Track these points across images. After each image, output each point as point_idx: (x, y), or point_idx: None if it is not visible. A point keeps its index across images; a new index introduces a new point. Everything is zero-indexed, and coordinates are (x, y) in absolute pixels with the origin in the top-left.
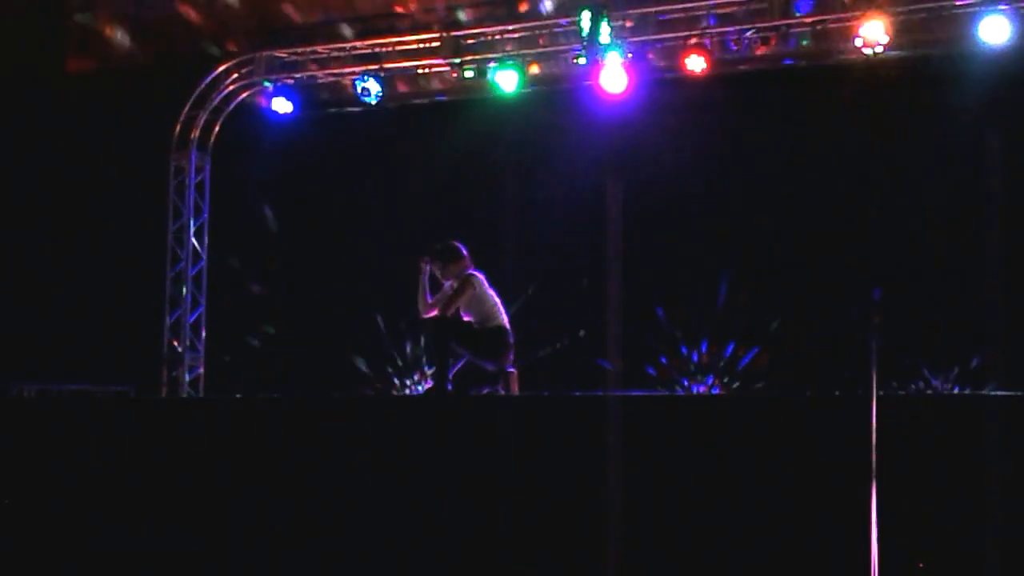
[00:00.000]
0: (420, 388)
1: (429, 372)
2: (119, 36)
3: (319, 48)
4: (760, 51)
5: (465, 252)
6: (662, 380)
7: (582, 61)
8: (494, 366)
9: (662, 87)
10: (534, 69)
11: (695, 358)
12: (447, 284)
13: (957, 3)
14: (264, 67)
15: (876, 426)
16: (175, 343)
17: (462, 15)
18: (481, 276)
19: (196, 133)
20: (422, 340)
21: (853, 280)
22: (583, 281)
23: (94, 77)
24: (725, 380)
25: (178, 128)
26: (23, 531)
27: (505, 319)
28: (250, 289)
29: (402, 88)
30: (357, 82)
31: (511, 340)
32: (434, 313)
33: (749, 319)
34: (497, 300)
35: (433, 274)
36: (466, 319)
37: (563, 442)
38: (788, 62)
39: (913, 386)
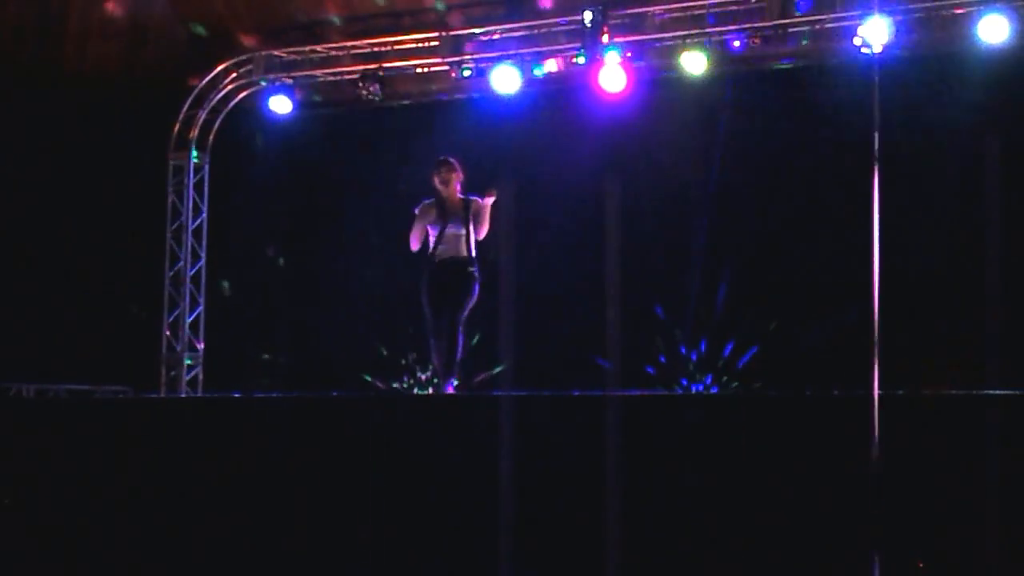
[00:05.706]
0: (432, 388)
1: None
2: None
3: (318, 47)
4: (760, 51)
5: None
6: (661, 379)
7: (581, 61)
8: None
9: (662, 87)
10: (542, 69)
11: (694, 357)
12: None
13: (957, 3)
14: (263, 66)
15: (876, 426)
16: (174, 343)
17: (462, 15)
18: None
19: (195, 132)
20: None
21: (852, 279)
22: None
23: (93, 76)
24: (724, 380)
25: (177, 127)
26: (22, 531)
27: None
28: (248, 289)
29: (402, 88)
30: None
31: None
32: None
33: (748, 318)
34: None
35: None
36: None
37: (563, 442)
38: (788, 62)
39: None
